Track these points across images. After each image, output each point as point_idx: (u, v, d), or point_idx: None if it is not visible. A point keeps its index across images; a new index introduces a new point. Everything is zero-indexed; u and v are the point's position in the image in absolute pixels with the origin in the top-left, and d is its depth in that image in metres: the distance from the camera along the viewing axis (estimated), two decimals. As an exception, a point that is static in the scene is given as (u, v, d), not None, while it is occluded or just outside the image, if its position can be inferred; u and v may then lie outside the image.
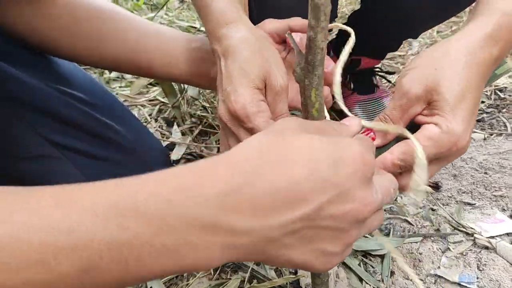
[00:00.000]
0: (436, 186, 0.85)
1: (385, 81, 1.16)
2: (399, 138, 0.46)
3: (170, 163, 0.86)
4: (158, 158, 0.81)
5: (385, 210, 0.77)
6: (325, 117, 0.42)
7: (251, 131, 0.46)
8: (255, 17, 0.69)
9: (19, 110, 0.67)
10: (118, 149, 0.75)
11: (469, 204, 0.80)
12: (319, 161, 0.29)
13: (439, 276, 0.65)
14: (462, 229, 0.73)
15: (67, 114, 0.70)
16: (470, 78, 0.42)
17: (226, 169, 0.29)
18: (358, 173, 0.30)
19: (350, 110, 1.00)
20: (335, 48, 1.09)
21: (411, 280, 0.65)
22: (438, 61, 0.43)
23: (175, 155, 0.95)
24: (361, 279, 0.66)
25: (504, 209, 0.78)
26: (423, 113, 0.44)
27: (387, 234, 0.72)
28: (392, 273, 0.67)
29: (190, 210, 0.27)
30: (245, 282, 0.67)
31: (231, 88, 0.47)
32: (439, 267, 0.66)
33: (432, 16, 0.85)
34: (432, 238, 0.72)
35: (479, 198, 0.81)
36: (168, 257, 0.27)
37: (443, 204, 0.81)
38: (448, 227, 0.74)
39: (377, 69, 1.08)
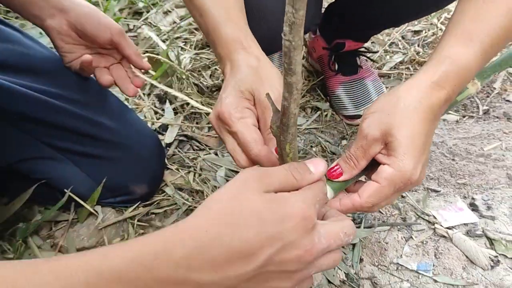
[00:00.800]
0: (407, 172, 0.93)
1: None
2: (365, 170, 0.53)
3: (163, 152, 0.92)
4: (153, 150, 0.87)
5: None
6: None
7: (233, 135, 0.53)
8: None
9: (15, 120, 0.72)
10: (114, 147, 0.81)
11: (434, 191, 0.89)
12: (266, 221, 0.37)
13: (400, 265, 0.75)
14: (425, 217, 0.83)
15: (61, 121, 0.75)
16: (419, 122, 0.48)
17: (191, 235, 0.37)
18: (299, 226, 0.38)
19: (333, 91, 1.06)
20: (321, 29, 1.11)
21: (377, 267, 0.76)
22: (391, 107, 0.49)
23: (168, 137, 1.01)
24: (334, 265, 0.76)
25: (465, 197, 0.87)
26: (381, 152, 0.51)
27: (359, 224, 0.82)
28: (361, 260, 0.77)
29: (163, 273, 0.35)
30: None
31: (224, 96, 0.53)
32: (401, 256, 0.77)
33: (416, 10, 0.88)
34: (398, 227, 0.82)
35: (444, 185, 0.90)
36: None
37: (411, 191, 0.90)
38: (414, 216, 0.84)
39: (361, 50, 1.11)
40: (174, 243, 0.36)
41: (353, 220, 0.83)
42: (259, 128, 0.53)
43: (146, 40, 1.34)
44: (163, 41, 1.33)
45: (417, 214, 0.84)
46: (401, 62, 1.24)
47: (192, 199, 0.89)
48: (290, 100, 0.40)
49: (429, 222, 0.82)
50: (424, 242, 0.79)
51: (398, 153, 0.48)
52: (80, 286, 0.34)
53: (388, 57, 1.27)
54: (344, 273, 0.75)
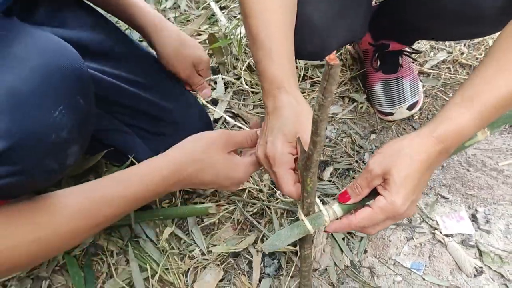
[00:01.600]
0: (423, 176, 1.04)
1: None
2: (368, 198, 0.66)
3: (211, 129, 1.06)
4: (204, 129, 1.02)
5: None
6: (315, 195, 0.62)
7: (274, 174, 0.67)
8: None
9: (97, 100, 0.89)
10: (170, 125, 0.96)
11: (444, 197, 1.01)
12: (219, 173, 0.71)
13: (397, 261, 0.90)
14: (429, 221, 0.96)
15: (130, 102, 0.91)
16: (414, 168, 0.60)
17: (176, 167, 0.69)
18: (241, 178, 0.74)
19: (372, 86, 1.16)
20: (370, 24, 1.17)
21: (377, 258, 0.91)
22: (395, 152, 0.61)
23: (216, 113, 1.15)
24: (342, 251, 0.92)
25: (469, 207, 0.99)
26: (381, 185, 0.63)
27: (370, 219, 0.95)
28: (365, 251, 0.92)
29: (158, 186, 0.68)
30: (258, 239, 0.94)
31: (271, 139, 0.66)
32: (399, 254, 0.91)
33: (460, 35, 0.94)
34: (403, 227, 0.95)
35: (453, 193, 1.02)
36: (152, 197, 0.67)
37: (423, 194, 1.02)
38: (419, 218, 0.97)
39: (405, 50, 1.18)
40: (164, 170, 0.68)
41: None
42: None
43: (207, 11, 1.43)
44: (221, 9, 1.41)
45: (422, 217, 0.97)
46: (443, 61, 1.30)
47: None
48: (314, 151, 0.52)
49: (431, 226, 0.95)
50: (422, 244, 0.93)
51: (392, 189, 0.60)
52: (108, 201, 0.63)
53: (432, 53, 1.32)
54: (350, 260, 0.91)
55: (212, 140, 0.72)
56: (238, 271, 0.91)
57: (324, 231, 0.67)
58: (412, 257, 0.91)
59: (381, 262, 0.90)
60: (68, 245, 0.62)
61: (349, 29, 0.89)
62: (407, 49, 1.18)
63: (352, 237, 0.94)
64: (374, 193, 0.64)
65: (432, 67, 1.28)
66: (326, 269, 0.90)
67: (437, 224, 0.95)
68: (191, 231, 0.97)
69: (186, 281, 0.90)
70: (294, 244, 0.91)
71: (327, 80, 0.41)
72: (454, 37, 0.96)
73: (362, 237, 0.94)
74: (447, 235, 0.93)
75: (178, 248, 0.94)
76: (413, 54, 1.24)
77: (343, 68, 1.29)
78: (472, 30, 0.88)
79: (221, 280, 0.90)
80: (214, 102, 1.18)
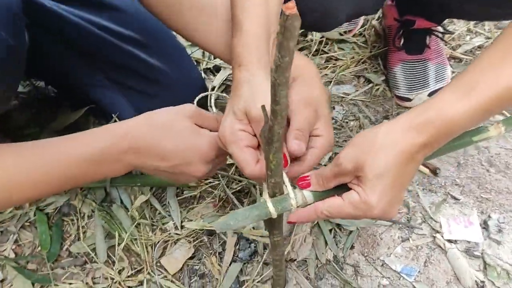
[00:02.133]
0: (434, 171, 0.93)
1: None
2: (339, 190, 0.57)
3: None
4: (196, 94, 0.94)
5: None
6: (281, 175, 0.53)
7: (233, 156, 0.59)
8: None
9: (82, 51, 0.82)
10: (159, 86, 0.89)
11: (454, 198, 0.89)
12: (184, 143, 0.61)
13: (386, 263, 0.79)
14: (431, 223, 0.84)
15: (119, 58, 0.84)
16: (390, 163, 0.50)
17: (127, 134, 0.60)
18: (201, 156, 0.62)
19: (391, 67, 1.04)
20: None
21: (364, 256, 0.81)
22: (368, 146, 0.51)
23: (217, 80, 1.06)
24: (326, 243, 0.83)
25: (482, 212, 0.86)
26: (352, 182, 0.54)
27: (363, 213, 0.85)
28: (352, 246, 0.82)
29: (115, 153, 0.59)
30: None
31: (222, 119, 0.58)
32: (390, 255, 0.81)
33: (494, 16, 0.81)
34: (399, 226, 0.84)
35: (466, 195, 0.89)
36: (96, 174, 0.60)
37: (431, 191, 0.90)
38: (420, 218, 0.86)
39: (434, 29, 1.04)
40: (116, 137, 0.60)
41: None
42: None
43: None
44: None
45: (424, 218, 0.85)
46: (479, 47, 1.15)
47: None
48: (275, 122, 0.44)
49: (433, 229, 0.84)
50: (419, 248, 0.82)
51: (365, 187, 0.51)
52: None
53: (468, 37, 1.17)
54: (333, 254, 0.81)
55: (177, 109, 0.64)
56: (210, 251, 0.84)
57: (288, 222, 0.58)
58: (405, 260, 0.80)
59: (368, 261, 0.80)
60: None
61: None
62: (439, 29, 1.04)
63: (341, 230, 0.85)
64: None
65: (465, 52, 1.14)
66: (305, 261, 0.81)
67: (441, 227, 0.84)
68: (168, 202, 0.90)
69: (154, 254, 0.83)
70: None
71: (283, 33, 0.33)
72: (480, 16, 0.82)
73: (351, 231, 0.84)
74: (449, 241, 0.82)
75: (152, 219, 0.88)
76: (445, 36, 1.10)
77: (363, 44, 1.17)
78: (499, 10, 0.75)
79: (190, 258, 0.83)
80: (217, 69, 1.10)
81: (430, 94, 1.01)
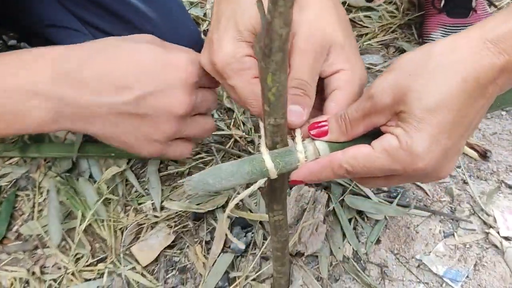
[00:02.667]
0: (483, 154, 0.73)
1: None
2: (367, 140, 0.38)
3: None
4: (190, 47, 0.78)
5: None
6: (286, 108, 0.35)
7: (232, 89, 0.41)
8: None
9: None
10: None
11: (510, 187, 0.69)
12: (149, 62, 0.41)
13: (424, 263, 0.60)
14: (482, 216, 0.65)
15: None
16: (450, 90, 0.31)
17: (63, 53, 0.40)
18: (180, 77, 0.41)
19: (429, 33, 0.86)
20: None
21: (394, 254, 0.62)
22: (417, 66, 0.33)
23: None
24: (344, 235, 0.64)
25: (547, 206, 0.67)
26: (387, 124, 0.35)
27: (393, 199, 0.66)
28: (379, 241, 0.63)
29: (27, 83, 0.38)
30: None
31: (216, 37, 0.40)
32: (429, 253, 0.61)
33: None
34: (441, 217, 0.65)
35: (526, 184, 0.70)
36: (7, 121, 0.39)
37: (480, 178, 0.71)
38: (468, 210, 0.66)
39: (482, -12, 0.86)
40: (42, 60, 0.40)
41: (388, 193, 0.68)
42: None
43: None
44: None
45: (473, 210, 0.66)
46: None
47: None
48: (274, 14, 0.26)
49: (485, 223, 0.64)
50: (468, 246, 0.62)
51: (409, 127, 0.33)
52: None
53: (519, 6, 0.98)
54: (353, 249, 0.62)
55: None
56: (196, 239, 0.65)
57: (289, 181, 0.40)
58: (449, 261, 0.61)
59: (399, 261, 0.61)
60: None
61: None
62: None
63: (364, 219, 0.66)
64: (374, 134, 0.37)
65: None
66: (316, 257, 0.62)
67: (495, 221, 0.64)
68: (148, 178, 0.72)
69: (123, 240, 0.65)
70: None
71: None
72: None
73: (377, 221, 0.65)
74: (507, 238, 0.62)
75: (126, 198, 0.70)
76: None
77: (394, 11, 0.99)
78: None
79: (169, 247, 0.65)
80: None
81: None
